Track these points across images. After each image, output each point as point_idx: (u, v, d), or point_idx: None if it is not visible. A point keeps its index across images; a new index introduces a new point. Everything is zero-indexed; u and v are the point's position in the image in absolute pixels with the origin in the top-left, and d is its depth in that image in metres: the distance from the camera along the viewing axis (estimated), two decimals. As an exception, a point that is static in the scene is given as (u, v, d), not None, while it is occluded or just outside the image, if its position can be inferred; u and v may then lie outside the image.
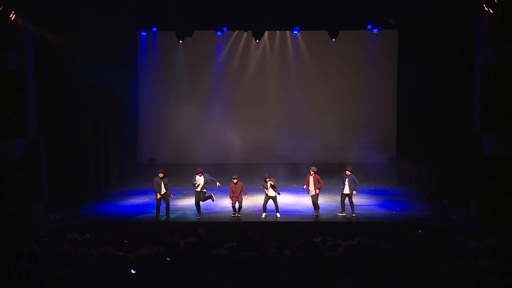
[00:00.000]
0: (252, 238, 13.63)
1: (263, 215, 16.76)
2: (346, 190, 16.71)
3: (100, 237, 13.42)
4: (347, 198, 16.78)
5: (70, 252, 11.87)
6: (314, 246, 12.36)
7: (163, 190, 16.55)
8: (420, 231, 14.19)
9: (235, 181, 16.62)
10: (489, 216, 16.28)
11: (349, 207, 16.82)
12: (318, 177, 16.84)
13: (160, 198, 16.58)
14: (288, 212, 17.25)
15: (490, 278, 9.67)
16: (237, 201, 16.71)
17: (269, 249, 12.00)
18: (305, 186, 17.02)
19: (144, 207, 17.88)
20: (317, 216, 16.84)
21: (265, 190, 16.62)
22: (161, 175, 16.59)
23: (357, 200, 18.36)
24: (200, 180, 16.72)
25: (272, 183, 16.54)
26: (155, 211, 16.78)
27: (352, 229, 14.54)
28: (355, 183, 16.68)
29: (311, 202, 16.95)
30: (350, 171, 16.76)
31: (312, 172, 16.82)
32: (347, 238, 13.22)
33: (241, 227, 15.33)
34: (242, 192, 16.68)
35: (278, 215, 16.75)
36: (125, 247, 12.37)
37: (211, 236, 13.58)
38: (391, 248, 12.16)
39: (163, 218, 16.66)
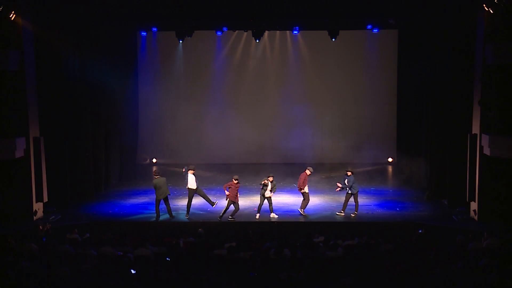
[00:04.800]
0: (252, 238, 13.62)
1: (257, 215, 16.63)
2: (353, 190, 16.72)
3: (100, 237, 13.42)
4: (352, 198, 16.76)
5: (70, 252, 11.86)
6: (314, 246, 12.36)
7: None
8: (420, 231, 14.18)
9: (235, 181, 16.42)
10: (489, 216, 16.27)
11: (353, 206, 16.77)
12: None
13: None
14: (288, 212, 17.23)
15: (490, 278, 9.67)
16: (232, 204, 16.37)
17: (269, 249, 11.99)
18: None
19: (144, 207, 17.85)
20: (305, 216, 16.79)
21: (263, 188, 16.52)
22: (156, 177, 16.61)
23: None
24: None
25: (270, 180, 16.47)
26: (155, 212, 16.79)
27: (352, 229, 14.57)
28: (346, 184, 16.67)
29: (307, 203, 16.92)
30: (351, 172, 16.79)
31: (309, 172, 16.83)
32: (347, 238, 13.22)
33: (241, 227, 15.31)
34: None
35: (273, 215, 16.67)
36: (125, 247, 12.37)
37: (211, 236, 13.57)
38: (391, 248, 12.16)
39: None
